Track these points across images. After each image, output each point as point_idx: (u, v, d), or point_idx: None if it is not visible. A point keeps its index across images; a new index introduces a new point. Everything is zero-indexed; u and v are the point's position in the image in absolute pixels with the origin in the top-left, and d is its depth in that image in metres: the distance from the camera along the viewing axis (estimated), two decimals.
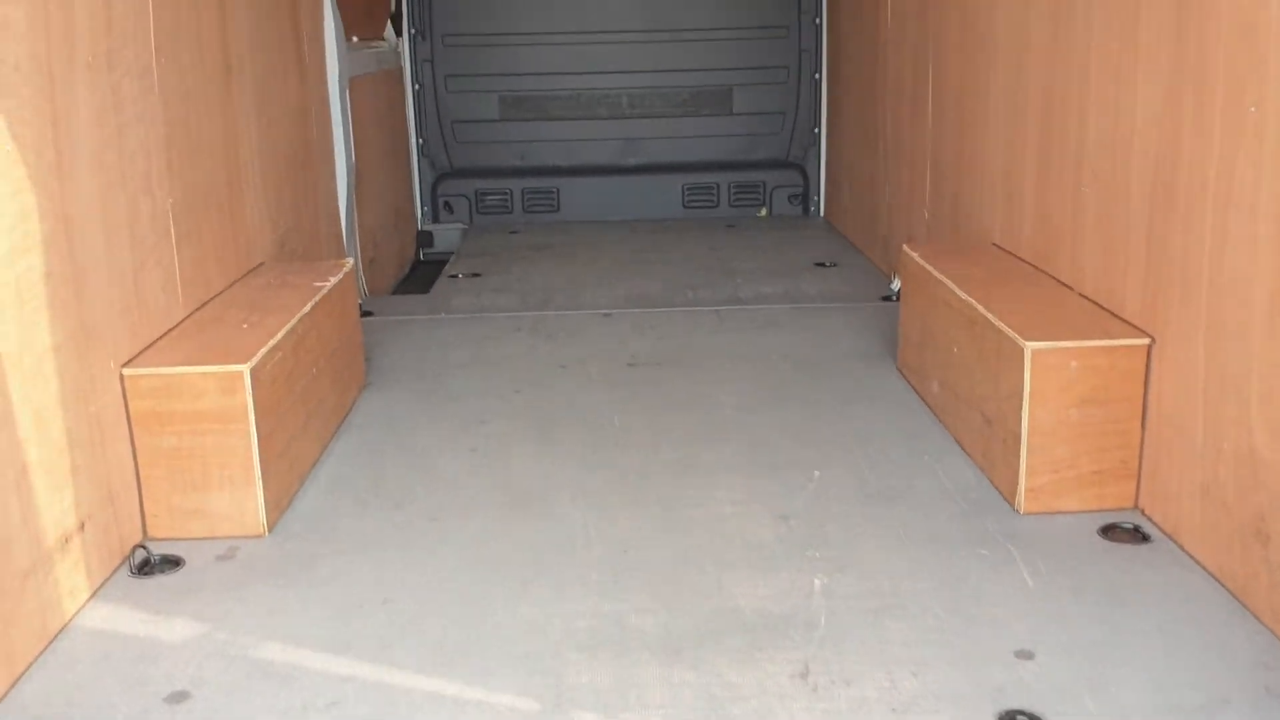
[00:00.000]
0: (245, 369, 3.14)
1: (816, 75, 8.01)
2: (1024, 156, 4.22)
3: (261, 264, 4.42)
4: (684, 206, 8.18)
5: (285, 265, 4.53)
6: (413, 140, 7.99)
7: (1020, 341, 3.24)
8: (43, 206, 2.74)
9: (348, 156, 5.86)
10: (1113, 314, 3.40)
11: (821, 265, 6.56)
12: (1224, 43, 2.83)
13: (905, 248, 4.56)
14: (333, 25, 5.66)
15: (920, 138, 5.62)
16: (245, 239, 4.28)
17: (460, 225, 8.07)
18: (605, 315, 5.49)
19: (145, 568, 3.02)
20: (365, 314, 5.44)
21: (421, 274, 7.58)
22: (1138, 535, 3.11)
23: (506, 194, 8.14)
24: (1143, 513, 3.23)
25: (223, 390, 3.14)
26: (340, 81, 5.76)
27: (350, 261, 4.53)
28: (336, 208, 5.71)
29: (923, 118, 5.58)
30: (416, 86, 7.94)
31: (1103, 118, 3.54)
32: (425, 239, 8.03)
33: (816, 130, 8.11)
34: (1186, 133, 2.97)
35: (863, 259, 6.70)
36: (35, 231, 2.70)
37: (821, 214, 8.16)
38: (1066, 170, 3.81)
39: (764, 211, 8.21)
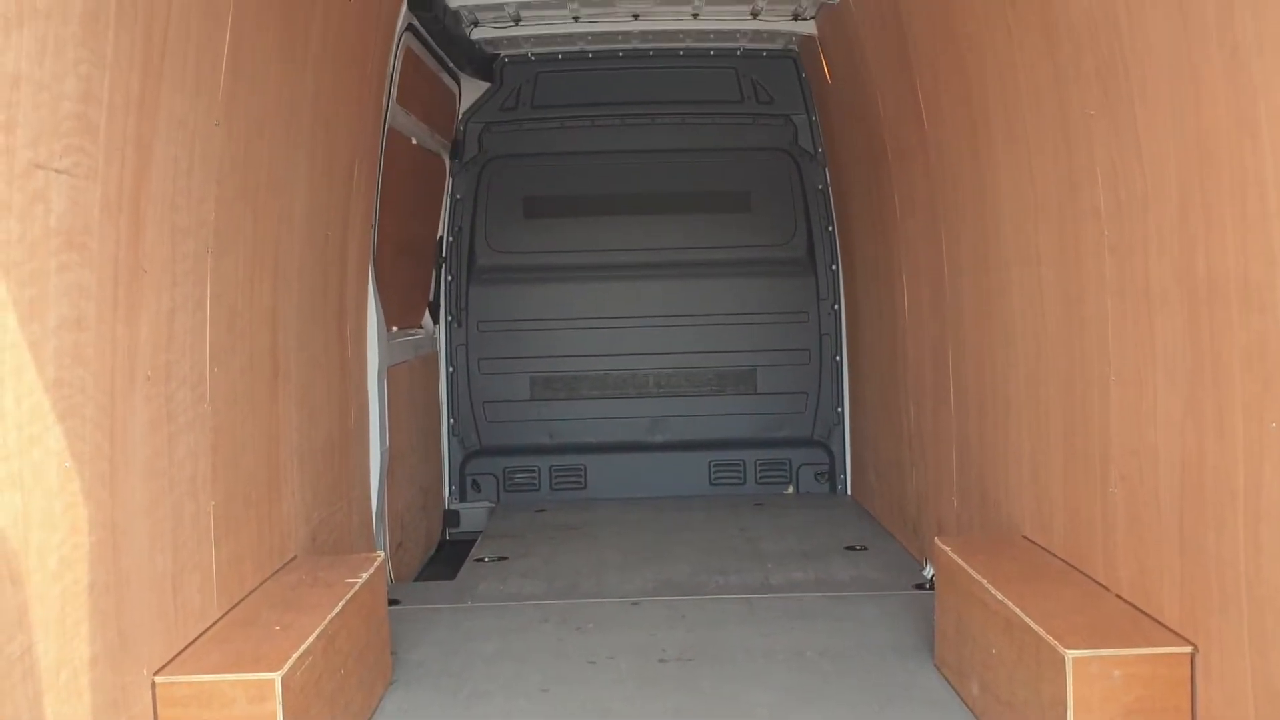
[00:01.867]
0: (276, 677, 3.12)
1: (837, 357, 8.26)
2: (1049, 450, 4.29)
3: (294, 557, 4.45)
4: (711, 483, 8.25)
5: (317, 559, 4.56)
6: (444, 421, 8.18)
7: (1061, 649, 3.19)
8: (93, 518, 2.81)
9: (382, 443, 6.00)
10: (1152, 618, 3.36)
11: (852, 549, 6.53)
12: (1239, 359, 2.94)
13: (937, 541, 4.56)
14: (375, 318, 5.93)
15: (944, 425, 5.72)
16: (280, 534, 4.34)
17: (488, 504, 8.14)
18: (634, 604, 5.44)
19: None
20: (392, 602, 5.42)
21: (448, 554, 7.58)
22: None
23: (534, 472, 8.25)
24: None
25: (252, 699, 3.10)
26: (380, 371, 5.98)
27: (380, 556, 4.56)
28: (369, 495, 5.80)
29: (945, 406, 5.70)
30: (450, 369, 8.21)
31: (1125, 420, 3.63)
32: (452, 518, 8.09)
33: (840, 409, 8.27)
34: (1210, 442, 3.03)
35: (893, 543, 6.67)
36: (84, 544, 2.76)
37: (849, 491, 8.20)
38: (1093, 466, 3.86)
39: (791, 489, 8.26)
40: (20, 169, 2.47)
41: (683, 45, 8.00)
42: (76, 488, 2.74)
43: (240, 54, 3.82)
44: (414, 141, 7.04)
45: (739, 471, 8.27)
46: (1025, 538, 4.48)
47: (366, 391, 5.86)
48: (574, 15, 7.21)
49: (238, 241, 3.94)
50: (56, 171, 2.63)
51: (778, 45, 7.99)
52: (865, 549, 6.52)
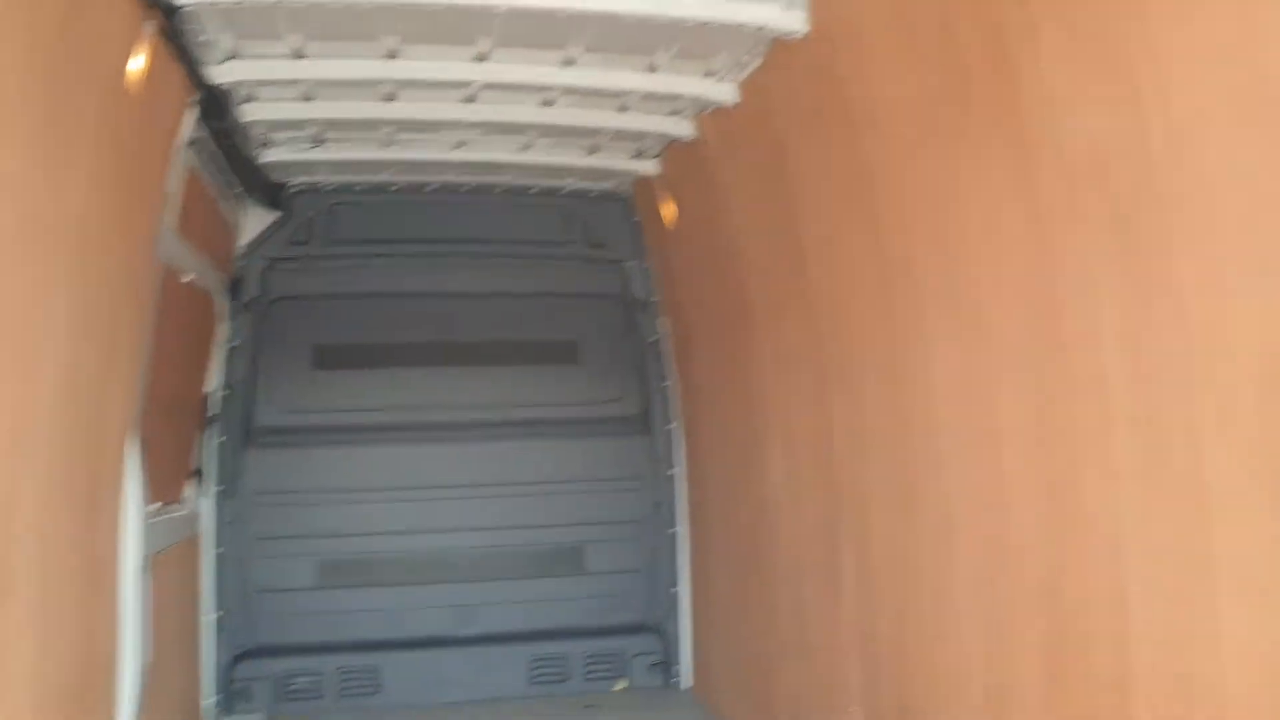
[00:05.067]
0: None
1: (673, 529, 7.35)
2: (1017, 665, 3.49)
3: None
4: (530, 682, 7.07)
5: None
6: (208, 615, 6.68)
7: None
8: None
9: (142, 658, 4.58)
10: None
11: None
12: None
13: None
14: (135, 497, 4.59)
15: (841, 616, 4.87)
16: None
17: (259, 716, 6.64)
18: None
19: None
20: None
21: None
22: None
23: (318, 675, 6.83)
24: None
25: None
26: (141, 565, 4.60)
27: None
28: None
29: (839, 593, 4.87)
30: (219, 550, 6.75)
31: (1151, 634, 2.88)
32: None
33: (674, 589, 7.32)
34: None
35: None
36: None
37: (690, 684, 7.20)
38: (1100, 692, 3.08)
39: (622, 684, 7.19)
40: None
41: (504, 181, 7.15)
42: None
43: None
44: (185, 278, 5.78)
45: (563, 666, 7.13)
46: None
47: (119, 595, 4.46)
48: (387, 140, 6.23)
49: None
50: None
51: (609, 185, 7.26)
52: None
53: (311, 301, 7.08)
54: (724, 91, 5.29)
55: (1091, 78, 2.96)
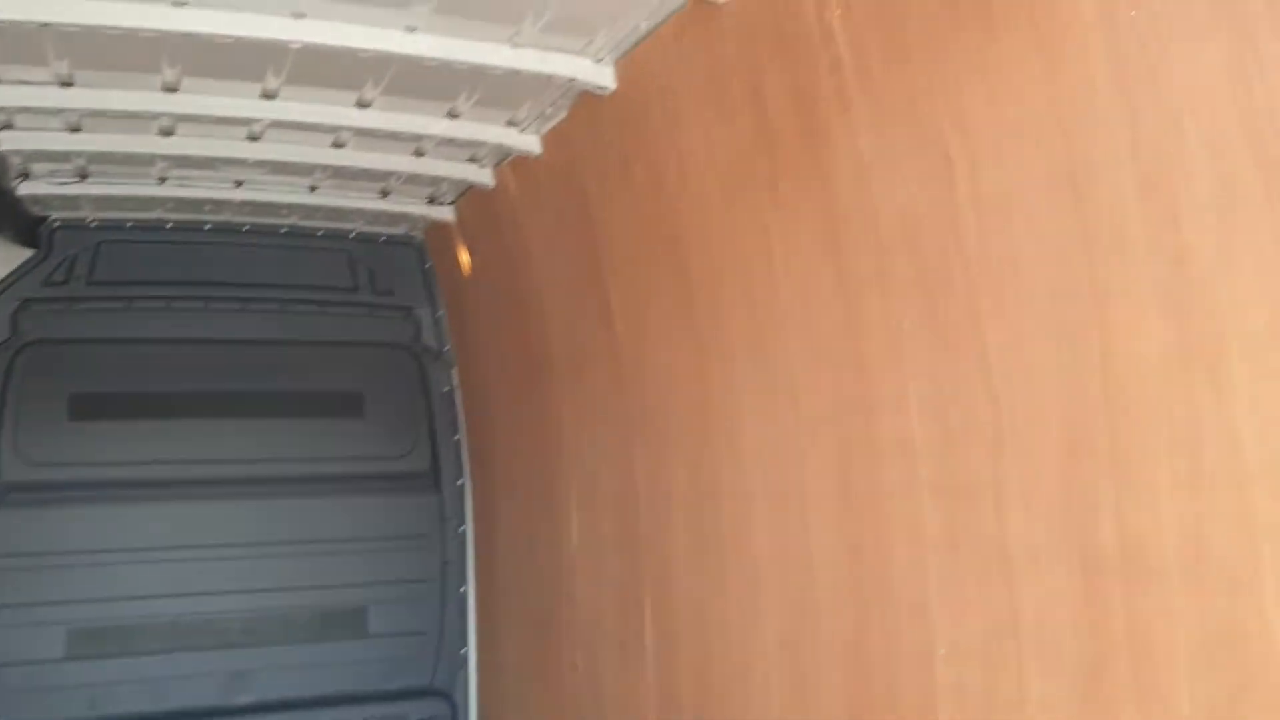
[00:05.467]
0: None
1: (462, 588, 7.10)
2: (824, 716, 3.49)
3: None
4: None
5: None
6: None
7: None
8: None
9: None
10: None
11: None
12: (1182, 645, 2.32)
13: None
14: None
15: (636, 684, 4.78)
16: None
17: None
18: None
19: None
20: None
21: None
22: None
23: None
24: None
25: None
26: None
27: None
28: None
29: (636, 650, 4.78)
30: None
31: (957, 702, 2.92)
32: None
33: (464, 652, 7.07)
34: None
35: None
36: None
37: None
38: None
39: None
40: None
41: (286, 222, 6.79)
42: None
43: None
44: None
45: None
46: None
47: None
48: (160, 176, 5.81)
49: None
50: None
51: (399, 230, 7.02)
52: None
53: (69, 346, 6.48)
54: (527, 141, 5.20)
55: (902, 149, 3.02)
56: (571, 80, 4.42)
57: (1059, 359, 2.61)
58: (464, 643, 7.06)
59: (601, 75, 4.39)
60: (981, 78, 2.72)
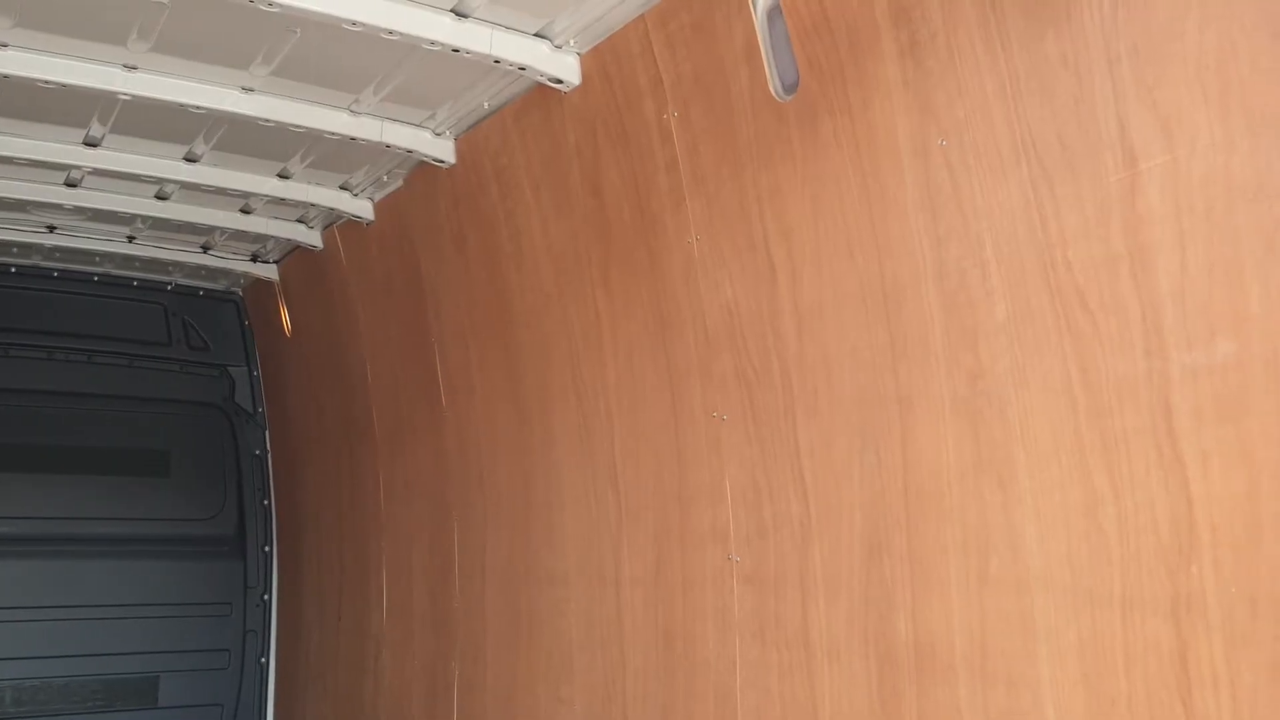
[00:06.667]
0: None
1: (263, 659, 6.82)
2: None
3: None
4: None
5: None
6: None
7: None
8: None
9: None
10: None
11: None
12: None
13: None
14: None
15: None
16: None
17: None
18: None
19: None
20: None
21: None
22: None
23: None
24: None
25: None
26: None
27: None
28: None
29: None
30: None
31: None
32: None
33: None
34: None
35: None
36: None
37: None
38: None
39: None
40: None
41: (100, 270, 6.51)
42: None
43: None
44: None
45: None
46: None
47: None
48: None
49: None
50: None
51: (219, 285, 6.82)
52: None
53: None
54: (360, 206, 5.16)
55: (730, 249, 3.14)
56: (411, 152, 4.43)
57: (864, 460, 2.74)
58: (261, 717, 6.77)
59: (441, 149, 4.41)
60: (806, 191, 2.87)
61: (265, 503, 6.91)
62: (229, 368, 6.97)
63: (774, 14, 2.91)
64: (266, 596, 6.86)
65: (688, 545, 3.36)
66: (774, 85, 2.94)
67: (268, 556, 6.87)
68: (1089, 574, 2.23)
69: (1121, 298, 2.17)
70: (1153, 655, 2.12)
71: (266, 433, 6.94)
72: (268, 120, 4.20)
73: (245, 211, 5.51)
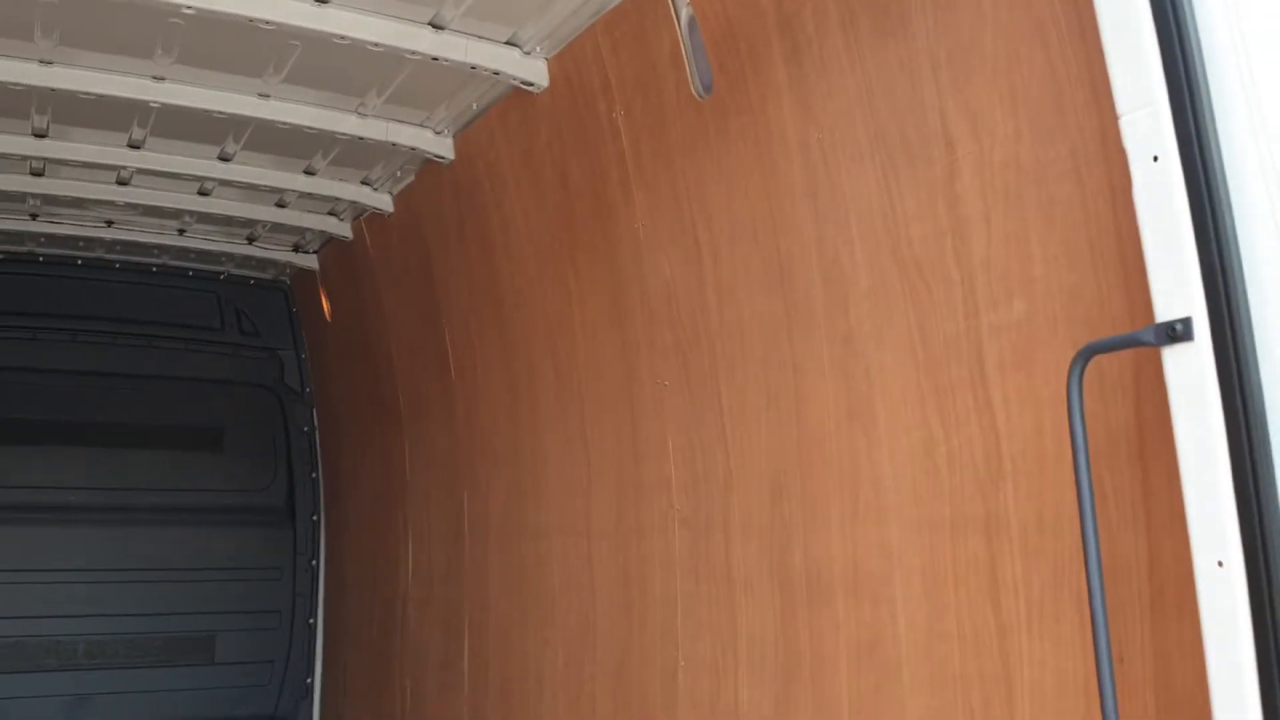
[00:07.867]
0: None
1: (311, 620, 7.39)
2: None
3: None
4: None
5: None
6: None
7: None
8: None
9: None
10: None
11: None
12: (845, 654, 2.83)
13: None
14: None
15: (451, 708, 5.17)
16: None
17: None
18: None
19: None
20: None
21: None
22: None
23: None
24: None
25: None
26: None
27: None
28: None
29: (455, 687, 5.17)
30: None
31: (697, 712, 3.39)
32: None
33: (309, 680, 7.34)
34: None
35: None
36: None
37: None
38: None
39: None
40: None
41: (158, 261, 7.11)
42: None
43: None
44: None
45: None
46: None
47: None
48: (32, 213, 6.11)
49: None
50: None
51: (268, 275, 7.39)
52: None
53: None
54: (380, 199, 5.65)
55: (666, 234, 3.55)
56: (415, 149, 4.89)
57: (768, 416, 3.13)
58: (309, 672, 7.34)
59: (441, 146, 4.87)
60: (720, 181, 3.27)
61: (313, 475, 7.48)
62: (278, 351, 7.55)
63: (693, 23, 3.30)
64: (314, 562, 7.43)
65: (641, 498, 3.77)
66: (694, 86, 3.33)
67: (315, 525, 7.43)
68: (928, 504, 2.61)
69: (946, 267, 2.53)
70: (972, 570, 2.48)
71: (314, 411, 7.50)
72: (285, 123, 4.70)
73: (281, 205, 6.04)
